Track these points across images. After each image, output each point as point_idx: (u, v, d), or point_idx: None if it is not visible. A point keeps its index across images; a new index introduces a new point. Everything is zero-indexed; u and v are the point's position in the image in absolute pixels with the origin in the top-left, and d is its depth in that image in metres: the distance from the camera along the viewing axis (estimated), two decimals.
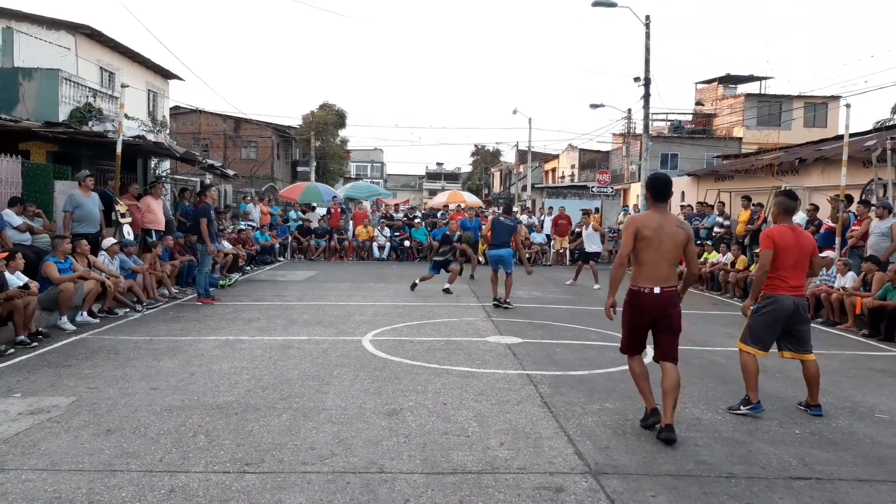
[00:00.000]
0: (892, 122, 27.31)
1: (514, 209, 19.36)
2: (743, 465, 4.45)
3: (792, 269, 5.47)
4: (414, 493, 3.87)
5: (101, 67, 21.33)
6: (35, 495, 3.74)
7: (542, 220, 22.01)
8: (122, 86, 12.95)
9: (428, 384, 6.22)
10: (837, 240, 11.72)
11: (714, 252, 15.15)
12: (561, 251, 20.93)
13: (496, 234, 11.43)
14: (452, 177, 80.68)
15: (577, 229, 21.74)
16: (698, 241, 16.50)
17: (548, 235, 21.24)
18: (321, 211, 23.21)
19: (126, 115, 12.98)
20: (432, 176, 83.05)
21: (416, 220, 22.19)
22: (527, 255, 16.73)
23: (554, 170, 53.55)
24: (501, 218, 11.83)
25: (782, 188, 15.61)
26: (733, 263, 14.10)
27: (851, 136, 12.92)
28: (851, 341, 9.22)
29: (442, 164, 79.50)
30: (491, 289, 11.73)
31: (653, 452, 4.62)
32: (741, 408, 5.50)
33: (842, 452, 4.74)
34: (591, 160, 45.74)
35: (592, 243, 15.27)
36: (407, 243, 21.18)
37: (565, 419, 5.29)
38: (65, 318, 8.54)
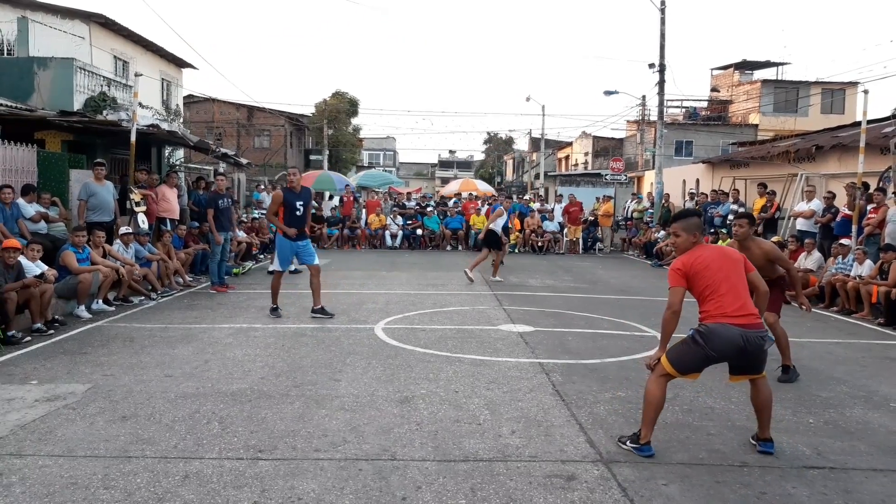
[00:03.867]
0: None
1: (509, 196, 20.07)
2: (756, 454, 4.43)
3: (724, 292, 4.34)
4: (426, 481, 3.89)
5: (115, 56, 21.43)
6: (51, 481, 3.79)
7: (554, 208, 21.91)
8: (136, 75, 13.03)
9: (440, 372, 6.24)
10: (854, 228, 11.60)
11: (728, 240, 15.02)
12: (574, 239, 20.86)
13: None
14: (465, 165, 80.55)
15: (591, 217, 21.70)
16: (712, 230, 16.41)
17: (560, 223, 21.16)
18: (333, 202, 23.24)
19: (140, 104, 13.05)
20: (445, 164, 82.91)
21: (429, 209, 22.18)
22: (534, 243, 17.28)
23: (567, 157, 53.30)
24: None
25: (800, 175, 15.47)
26: None
27: (869, 122, 12.76)
28: (867, 330, 9.14)
29: (454, 151, 79.29)
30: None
31: (664, 441, 4.61)
32: (627, 443, 4.48)
33: (856, 442, 4.71)
34: (605, 147, 45.47)
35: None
36: (419, 232, 21.18)
37: (577, 408, 5.29)
38: (81, 307, 8.63)
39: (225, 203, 11.08)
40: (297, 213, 8.77)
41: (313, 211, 21.41)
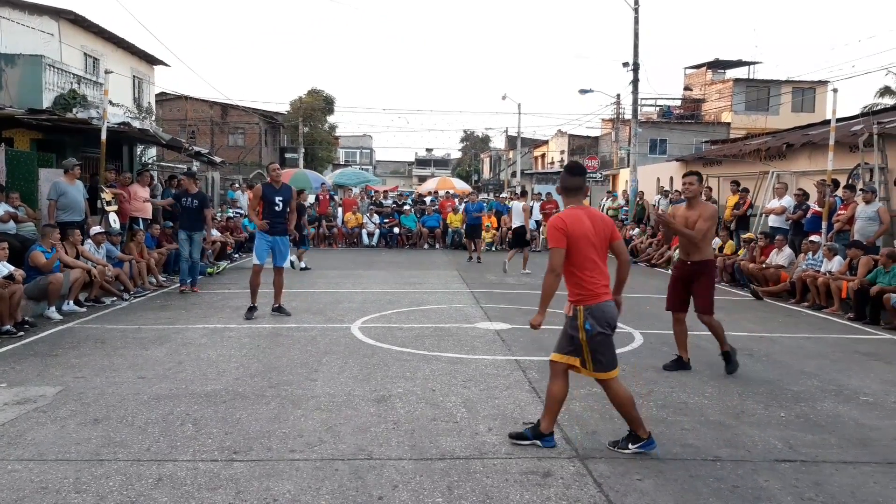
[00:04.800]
0: (878, 107, 27.44)
1: (484, 195, 21.98)
2: (729, 448, 4.49)
3: (595, 264, 4.26)
4: (402, 479, 3.88)
5: (85, 53, 21.10)
6: (21, 485, 3.73)
7: (532, 206, 21.97)
8: (107, 72, 12.80)
9: (417, 371, 6.23)
10: (824, 224, 11.80)
11: None
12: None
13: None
14: (442, 163, 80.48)
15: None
16: None
17: (537, 221, 21.24)
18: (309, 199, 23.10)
19: (111, 102, 12.85)
20: (422, 162, 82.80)
21: (406, 207, 22.15)
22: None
23: (543, 155, 53.52)
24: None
25: (771, 173, 15.70)
26: (721, 248, 14.16)
27: (838, 120, 12.96)
28: (837, 325, 9.30)
29: (431, 150, 79.21)
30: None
31: None
32: (629, 446, 4.35)
33: (826, 435, 4.79)
34: (581, 146, 45.72)
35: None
36: (396, 230, 21.15)
37: None
38: (52, 308, 8.48)
39: (189, 202, 10.91)
40: (277, 207, 8.69)
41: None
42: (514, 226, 15.49)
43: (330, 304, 9.84)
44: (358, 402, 5.30)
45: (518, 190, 22.01)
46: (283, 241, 8.90)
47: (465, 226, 18.94)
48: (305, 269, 14.21)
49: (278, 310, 8.86)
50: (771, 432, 4.81)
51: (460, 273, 14.11)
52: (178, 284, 11.08)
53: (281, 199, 8.72)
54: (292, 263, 14.22)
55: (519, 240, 14.91)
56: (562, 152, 47.89)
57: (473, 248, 17.25)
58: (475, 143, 70.71)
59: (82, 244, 9.88)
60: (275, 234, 8.75)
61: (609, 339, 4.27)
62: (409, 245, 20.83)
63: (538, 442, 4.37)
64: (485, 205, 20.80)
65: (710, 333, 8.25)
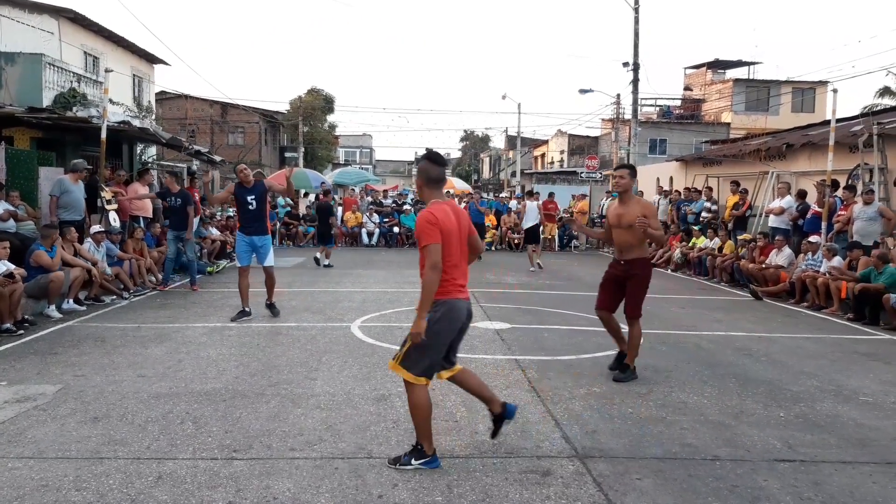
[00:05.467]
0: (878, 107, 27.45)
1: (484, 194, 23.32)
2: (728, 447, 4.50)
3: (458, 262, 4.05)
4: (402, 478, 3.89)
5: (85, 52, 21.09)
6: (22, 483, 3.73)
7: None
8: (107, 70, 12.79)
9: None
10: (824, 225, 11.80)
11: (702, 237, 15.22)
12: (550, 237, 20.96)
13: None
14: None
15: (565, 214, 21.81)
16: (684, 227, 16.61)
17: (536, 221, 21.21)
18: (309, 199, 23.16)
19: (111, 101, 12.84)
20: None
21: (406, 207, 22.15)
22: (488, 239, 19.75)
23: (543, 155, 53.54)
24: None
25: (771, 173, 15.70)
26: (721, 248, 14.17)
27: (838, 121, 12.96)
28: (837, 325, 9.31)
29: (431, 149, 79.15)
30: None
31: (639, 436, 4.66)
32: (412, 461, 4.02)
33: (826, 435, 4.80)
34: (581, 145, 45.75)
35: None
36: (396, 229, 21.15)
37: (553, 403, 5.32)
38: (52, 307, 8.49)
39: (174, 202, 10.91)
40: (250, 207, 8.51)
41: (288, 209, 21.39)
42: (528, 225, 16.02)
43: (330, 304, 9.84)
44: (358, 400, 5.31)
45: (528, 189, 22.08)
46: (262, 239, 8.65)
47: None
48: (328, 266, 14.58)
49: (269, 306, 8.77)
50: (770, 432, 4.81)
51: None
52: (189, 283, 11.10)
53: (254, 197, 8.49)
54: (316, 259, 14.96)
55: (533, 237, 15.78)
56: (562, 152, 47.92)
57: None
58: (475, 143, 70.67)
59: (82, 243, 9.88)
60: (251, 233, 8.56)
61: (442, 343, 3.98)
62: (409, 244, 20.83)
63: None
64: (484, 204, 20.95)
65: (710, 333, 8.33)
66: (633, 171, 6.20)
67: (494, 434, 4.35)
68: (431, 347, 3.93)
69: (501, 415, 4.27)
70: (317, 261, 14.94)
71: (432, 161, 4.11)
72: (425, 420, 4.01)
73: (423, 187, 4.12)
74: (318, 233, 15.42)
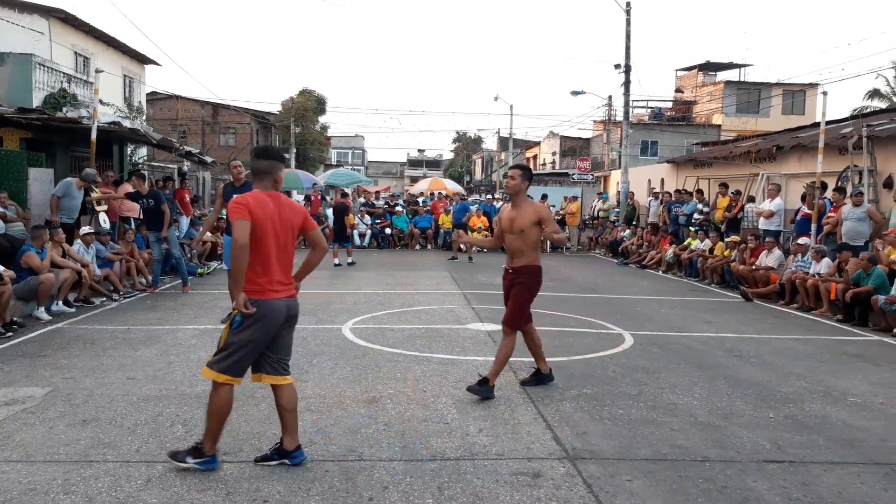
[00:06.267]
0: (868, 110, 27.64)
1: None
2: (718, 448, 4.52)
3: (277, 256, 3.91)
4: (392, 480, 3.89)
5: (75, 52, 20.98)
6: (9, 487, 3.70)
7: None
8: (97, 71, 12.74)
9: (408, 372, 6.23)
10: (813, 226, 11.87)
11: (694, 239, 15.28)
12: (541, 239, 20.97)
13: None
14: (434, 164, 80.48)
15: (557, 216, 21.86)
16: (674, 228, 16.67)
17: None
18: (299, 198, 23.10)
19: (101, 101, 12.80)
20: (414, 163, 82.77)
21: (398, 208, 22.14)
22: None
23: (535, 157, 53.63)
24: None
25: (761, 175, 15.77)
26: (711, 250, 14.23)
27: (828, 123, 13.06)
28: (826, 326, 9.36)
29: (423, 150, 79.20)
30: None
31: (629, 437, 4.67)
32: (187, 459, 3.94)
33: (815, 436, 4.82)
34: (572, 147, 45.86)
35: None
36: (388, 231, 21.12)
37: (543, 405, 5.33)
38: (41, 309, 8.43)
39: (146, 203, 10.87)
40: None
41: None
42: None
43: (321, 305, 9.82)
44: (349, 403, 5.30)
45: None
46: None
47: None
48: (351, 263, 15.26)
49: None
50: (759, 433, 4.83)
51: (452, 274, 14.11)
52: (182, 284, 11.05)
53: None
54: (336, 263, 15.18)
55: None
56: (554, 154, 48.03)
57: (460, 248, 17.67)
58: (467, 144, 70.73)
59: (71, 244, 9.83)
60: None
61: (254, 345, 3.87)
62: (400, 246, 20.82)
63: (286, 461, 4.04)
64: (470, 205, 21.08)
65: (700, 335, 8.36)
66: (525, 171, 5.69)
67: (259, 460, 4.07)
68: (243, 346, 3.83)
69: (288, 451, 4.03)
70: (336, 263, 14.98)
71: (257, 155, 4.08)
72: (217, 423, 3.93)
73: (251, 178, 4.17)
74: (335, 233, 16.05)
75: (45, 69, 16.00)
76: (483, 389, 5.41)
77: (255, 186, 4.03)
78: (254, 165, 4.04)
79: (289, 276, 3.99)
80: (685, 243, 15.56)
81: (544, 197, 21.35)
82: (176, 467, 3.94)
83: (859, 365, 7.08)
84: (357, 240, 20.76)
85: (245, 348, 3.84)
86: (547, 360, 6.83)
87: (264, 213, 3.82)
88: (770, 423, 5.09)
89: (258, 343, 3.88)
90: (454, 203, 20.30)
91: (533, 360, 5.94)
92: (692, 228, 15.81)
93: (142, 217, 12.56)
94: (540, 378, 5.88)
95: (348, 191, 23.62)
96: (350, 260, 15.47)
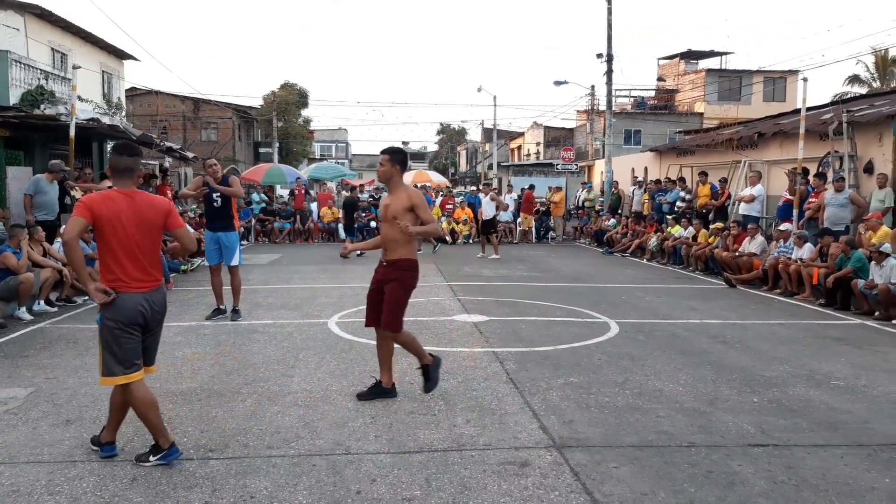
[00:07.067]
0: (848, 95, 27.86)
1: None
2: (703, 434, 4.55)
3: (132, 253, 3.90)
4: (380, 473, 3.88)
5: (52, 48, 20.66)
6: None
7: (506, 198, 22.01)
8: (75, 67, 12.57)
9: (394, 364, 6.19)
10: (795, 212, 11.96)
11: (677, 226, 15.36)
12: (527, 229, 21.04)
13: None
14: (419, 156, 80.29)
15: (542, 206, 21.91)
16: (658, 216, 16.74)
17: (514, 213, 21.32)
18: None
19: (79, 98, 12.64)
20: None
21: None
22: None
23: (520, 147, 53.66)
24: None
25: (743, 162, 15.87)
26: (695, 237, 14.31)
27: (809, 109, 13.14)
28: (808, 311, 9.45)
29: (407, 143, 78.96)
30: None
31: (616, 425, 4.70)
32: (150, 458, 3.98)
33: (798, 419, 4.87)
34: (556, 137, 45.91)
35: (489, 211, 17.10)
36: (373, 224, 21.05)
37: (530, 395, 5.34)
38: (23, 309, 8.34)
39: None
40: (215, 204, 8.34)
41: (263, 205, 21.23)
42: (485, 217, 16.99)
43: (307, 300, 9.79)
44: (335, 397, 5.29)
45: (485, 182, 22.62)
46: (228, 237, 8.42)
47: None
48: (360, 254, 15.08)
49: (234, 312, 8.38)
50: (744, 418, 4.88)
51: (437, 266, 14.10)
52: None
53: (219, 194, 8.30)
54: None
55: (486, 228, 16.95)
56: (538, 144, 48.05)
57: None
58: (451, 136, 70.59)
59: (52, 243, 9.71)
60: (217, 230, 8.39)
61: (124, 336, 3.88)
62: None
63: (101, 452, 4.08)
64: (431, 198, 21.08)
65: (685, 321, 8.41)
66: (395, 155, 5.18)
67: (140, 459, 4.01)
68: (117, 342, 3.87)
69: (162, 449, 3.98)
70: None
71: (118, 153, 4.04)
72: (149, 415, 3.96)
73: (109, 175, 4.12)
74: (345, 226, 17.22)
75: (22, 66, 15.74)
76: (433, 372, 5.24)
77: (115, 184, 4.02)
78: (114, 162, 4.02)
79: (148, 272, 3.98)
80: (666, 232, 15.65)
81: (531, 187, 21.43)
82: (151, 465, 3.94)
83: (842, 348, 7.15)
84: (342, 234, 20.70)
85: (118, 339, 3.87)
86: (535, 349, 6.86)
87: (110, 211, 3.83)
88: (754, 407, 5.13)
89: (127, 330, 3.89)
90: (444, 195, 20.23)
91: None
92: (670, 217, 15.91)
93: None
94: (380, 391, 5.25)
95: (355, 184, 23.83)
96: (359, 252, 15.30)
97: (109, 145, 17.13)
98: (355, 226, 16.87)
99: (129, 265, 3.89)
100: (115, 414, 4.11)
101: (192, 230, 14.79)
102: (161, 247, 4.16)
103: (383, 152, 5.19)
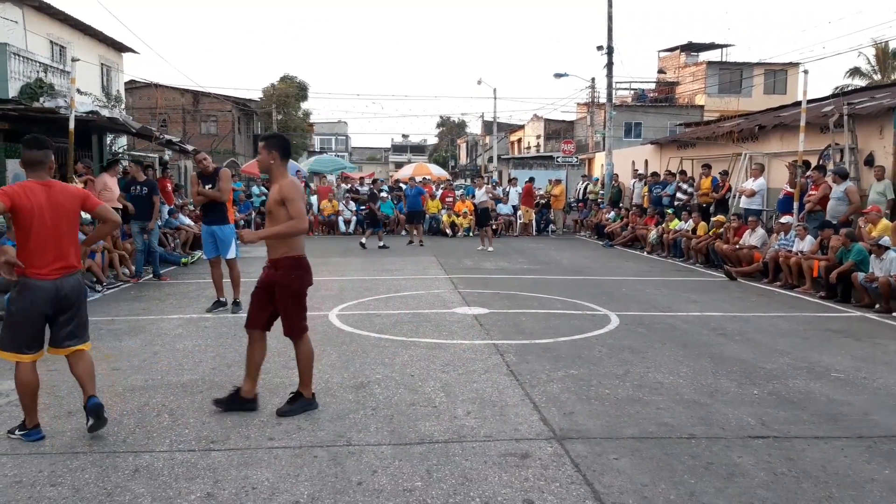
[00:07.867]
0: (849, 88, 27.79)
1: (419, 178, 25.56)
2: (703, 425, 4.56)
3: (49, 241, 4.07)
4: (381, 465, 3.89)
5: (51, 41, 20.60)
6: None
7: (507, 191, 22.01)
8: (74, 60, 12.50)
9: (395, 357, 6.23)
10: (795, 204, 11.95)
11: (676, 220, 15.35)
12: (527, 222, 21.03)
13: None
14: (418, 149, 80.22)
15: (542, 199, 21.89)
16: (658, 209, 16.73)
17: (514, 206, 21.31)
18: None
19: (78, 91, 12.60)
20: (398, 148, 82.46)
21: (383, 194, 22.06)
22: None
23: (520, 140, 53.57)
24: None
25: (744, 155, 15.84)
26: (694, 230, 14.31)
27: (809, 102, 13.10)
28: (809, 303, 9.46)
29: (407, 136, 78.93)
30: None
31: (616, 417, 4.70)
32: (17, 432, 4.26)
33: (798, 411, 4.88)
34: (557, 130, 45.82)
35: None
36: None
37: (531, 387, 5.35)
38: None
39: (139, 191, 10.75)
40: None
41: (264, 198, 21.19)
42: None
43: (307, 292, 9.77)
44: (336, 388, 5.29)
45: (479, 175, 22.70)
46: (223, 230, 8.36)
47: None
48: (383, 247, 16.09)
49: (235, 304, 8.33)
50: (744, 410, 4.88)
51: (438, 259, 14.11)
52: (150, 276, 10.97)
53: (211, 186, 8.25)
54: (362, 244, 16.05)
55: (481, 220, 17.36)
56: (538, 137, 47.98)
57: (415, 231, 17.95)
58: (451, 129, 70.48)
59: None
60: (211, 223, 8.36)
61: (25, 324, 4.08)
62: (386, 232, 20.75)
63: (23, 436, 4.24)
64: (424, 189, 20.73)
65: (685, 314, 8.42)
66: (271, 141, 4.84)
67: (92, 427, 4.22)
68: (16, 325, 4.09)
69: (26, 427, 4.24)
70: (362, 245, 16.00)
71: (26, 146, 4.23)
72: (24, 396, 4.20)
73: (23, 168, 4.31)
74: (369, 220, 18.02)
75: (21, 59, 15.70)
76: (297, 406, 4.73)
77: (29, 176, 4.19)
78: (27, 156, 4.20)
79: (65, 258, 4.15)
80: (664, 225, 15.64)
81: (531, 180, 21.41)
82: (11, 437, 4.22)
83: (842, 341, 7.16)
84: (342, 226, 20.71)
85: (18, 325, 4.08)
86: (535, 341, 6.87)
87: (31, 202, 4.02)
88: (755, 399, 5.14)
89: (30, 316, 4.08)
90: (410, 188, 20.04)
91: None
92: (669, 210, 15.89)
93: (122, 207, 12.45)
94: (239, 402, 4.77)
95: (367, 179, 23.98)
96: (381, 244, 16.28)
97: (109, 138, 17.11)
98: (377, 217, 18.15)
99: (44, 253, 4.07)
100: (29, 396, 4.23)
101: (190, 222, 14.81)
102: (81, 231, 4.42)
103: (260, 139, 4.96)
